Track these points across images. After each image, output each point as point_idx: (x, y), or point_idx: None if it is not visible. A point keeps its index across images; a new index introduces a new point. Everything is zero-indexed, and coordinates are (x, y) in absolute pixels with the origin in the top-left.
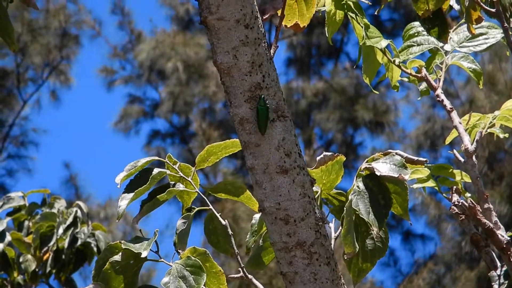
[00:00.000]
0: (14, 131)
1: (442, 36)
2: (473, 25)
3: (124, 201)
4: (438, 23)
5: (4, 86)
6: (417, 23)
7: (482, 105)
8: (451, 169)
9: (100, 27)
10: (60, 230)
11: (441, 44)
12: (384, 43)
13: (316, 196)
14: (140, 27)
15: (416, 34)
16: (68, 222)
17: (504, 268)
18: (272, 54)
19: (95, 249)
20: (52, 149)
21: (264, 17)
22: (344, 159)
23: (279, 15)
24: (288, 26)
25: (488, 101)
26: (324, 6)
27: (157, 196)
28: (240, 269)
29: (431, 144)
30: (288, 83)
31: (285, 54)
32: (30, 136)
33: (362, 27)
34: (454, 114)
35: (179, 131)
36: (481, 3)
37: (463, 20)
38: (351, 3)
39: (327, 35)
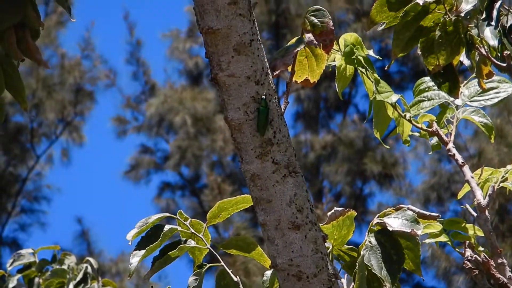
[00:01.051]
0: (28, 186)
1: (453, 91)
2: (484, 80)
3: (135, 258)
4: (449, 78)
5: (18, 141)
6: (427, 78)
7: (491, 158)
8: (464, 223)
9: (115, 77)
10: (71, 287)
11: (451, 99)
12: (394, 97)
13: (328, 252)
14: (155, 78)
15: (426, 89)
16: (78, 279)
17: None
18: (283, 110)
19: None
20: (64, 204)
21: (274, 73)
22: (355, 214)
23: (289, 71)
24: (299, 82)
25: (497, 153)
26: (334, 61)
27: (169, 253)
28: None
29: (438, 198)
30: (297, 136)
31: (293, 108)
32: (43, 191)
33: (372, 81)
34: (466, 169)
35: (189, 183)
36: (492, 58)
37: (473, 75)
38: (361, 58)
39: (337, 90)
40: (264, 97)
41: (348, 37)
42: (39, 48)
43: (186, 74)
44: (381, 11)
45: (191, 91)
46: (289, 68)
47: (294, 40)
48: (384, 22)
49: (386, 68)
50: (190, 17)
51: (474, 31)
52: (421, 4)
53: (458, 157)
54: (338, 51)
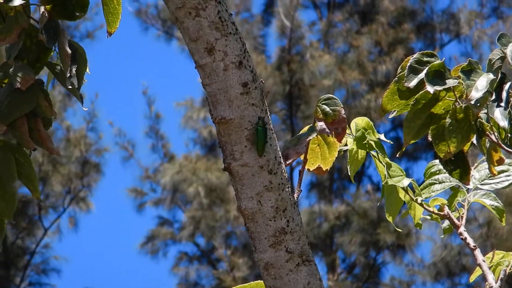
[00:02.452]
0: (36, 259)
1: (464, 177)
2: (495, 167)
3: None
4: (460, 165)
5: (26, 214)
6: (438, 161)
7: (499, 227)
8: None
9: (133, 149)
10: None
11: None
12: (406, 181)
13: None
14: (173, 150)
15: (437, 171)
16: None
17: None
18: (296, 199)
19: None
20: (74, 275)
21: (287, 162)
22: None
23: (302, 159)
24: (311, 169)
25: (507, 223)
26: (345, 144)
27: None
28: None
29: (449, 273)
30: (311, 206)
31: (307, 178)
32: (51, 263)
33: (384, 165)
34: (477, 252)
35: (205, 254)
36: (502, 144)
37: (484, 158)
38: (372, 143)
39: (349, 174)
40: (261, 116)
41: (359, 121)
42: (51, 137)
43: (200, 143)
44: (392, 99)
45: (205, 161)
46: (302, 157)
47: (306, 128)
48: (395, 110)
49: (397, 155)
50: None
51: (483, 116)
52: (431, 92)
53: (470, 240)
54: (349, 134)
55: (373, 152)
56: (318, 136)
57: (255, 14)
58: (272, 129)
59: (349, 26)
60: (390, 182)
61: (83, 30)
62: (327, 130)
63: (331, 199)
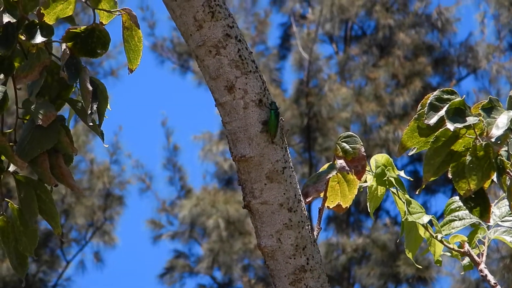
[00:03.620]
0: None
1: (484, 215)
2: None
3: None
4: (480, 203)
5: (47, 246)
6: (458, 198)
7: None
8: None
9: (150, 181)
10: None
11: None
12: (426, 218)
13: None
14: (190, 183)
15: (457, 208)
16: None
17: None
18: (315, 236)
19: None
20: None
21: (307, 200)
22: None
23: (321, 197)
24: (331, 207)
25: None
26: (365, 182)
27: None
28: None
29: None
30: (328, 239)
31: (325, 212)
32: None
33: (404, 202)
34: None
35: (223, 287)
36: None
37: (504, 194)
38: (392, 179)
39: (369, 210)
40: (273, 101)
41: (379, 158)
42: (71, 173)
43: (218, 176)
44: (412, 137)
45: (224, 194)
46: (321, 194)
47: (326, 166)
48: (415, 147)
49: (417, 193)
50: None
51: (504, 154)
52: (451, 129)
53: (490, 277)
54: (369, 171)
55: (392, 189)
56: (338, 173)
57: (271, 47)
58: (292, 167)
59: (366, 59)
60: (410, 218)
61: (106, 67)
62: (347, 168)
63: (348, 232)
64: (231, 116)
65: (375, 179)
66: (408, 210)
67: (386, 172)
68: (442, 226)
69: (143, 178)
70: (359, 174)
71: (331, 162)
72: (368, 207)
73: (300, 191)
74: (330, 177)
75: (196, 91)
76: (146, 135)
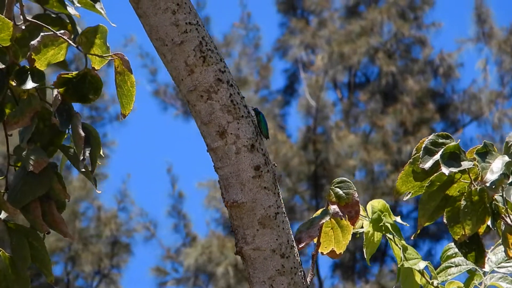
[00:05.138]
0: None
1: (479, 261)
2: (511, 249)
3: None
4: (475, 248)
5: None
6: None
7: None
8: None
9: (155, 228)
10: None
11: None
12: (422, 264)
13: None
14: (195, 230)
15: (454, 255)
16: None
17: None
18: (308, 282)
19: None
20: None
21: (300, 246)
22: None
23: (315, 242)
24: (325, 253)
25: None
26: (361, 227)
27: None
28: None
29: None
30: (334, 286)
31: (331, 260)
32: None
33: (400, 248)
34: None
35: None
36: None
37: (499, 241)
38: (388, 225)
39: (365, 257)
40: (255, 107)
41: (375, 204)
42: (64, 220)
43: (223, 223)
44: (407, 181)
45: (230, 241)
46: (315, 240)
47: (319, 211)
48: (410, 192)
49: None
50: None
51: (499, 199)
52: (446, 174)
53: None
54: (365, 217)
55: (389, 235)
56: (332, 219)
57: (274, 91)
58: (284, 212)
59: (372, 106)
60: (406, 265)
61: (112, 113)
62: (340, 213)
63: (354, 279)
64: (223, 161)
65: (371, 224)
66: (404, 256)
67: (382, 217)
68: (438, 273)
69: (148, 225)
70: (353, 219)
71: (324, 208)
72: (365, 253)
73: (293, 237)
74: (323, 223)
75: (200, 137)
76: (151, 181)
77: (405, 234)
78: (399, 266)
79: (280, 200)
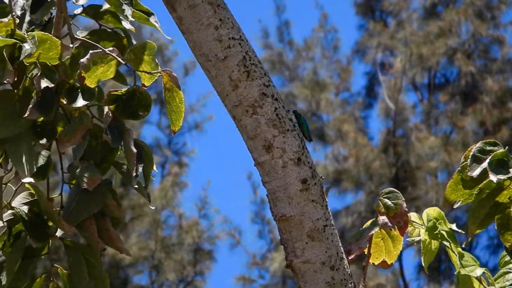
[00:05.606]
0: None
1: None
2: None
3: None
4: None
5: None
6: None
7: None
8: None
9: (239, 235)
10: None
11: None
12: (479, 271)
13: None
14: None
15: (511, 261)
16: None
17: None
18: None
19: None
20: None
21: (349, 258)
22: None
23: (365, 253)
24: (376, 263)
25: None
26: (418, 235)
27: None
28: None
29: None
30: None
31: (415, 260)
32: None
33: (456, 255)
34: None
35: None
36: None
37: None
38: (444, 233)
39: (423, 265)
40: (295, 110)
41: (431, 212)
42: (120, 236)
43: None
44: (456, 189)
45: None
46: (365, 251)
47: (369, 222)
48: (460, 200)
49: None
50: None
51: None
52: (494, 181)
53: None
54: (422, 225)
55: (445, 242)
56: (382, 230)
57: (355, 93)
58: (333, 225)
59: (452, 107)
60: (463, 272)
61: (191, 121)
62: (389, 224)
63: (439, 280)
64: (270, 175)
65: (427, 233)
66: (461, 263)
67: (438, 225)
68: (496, 279)
69: (232, 233)
70: (402, 230)
71: (374, 219)
72: (422, 261)
73: (342, 248)
74: (372, 234)
75: None
76: (232, 189)
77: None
78: (455, 273)
79: (329, 212)
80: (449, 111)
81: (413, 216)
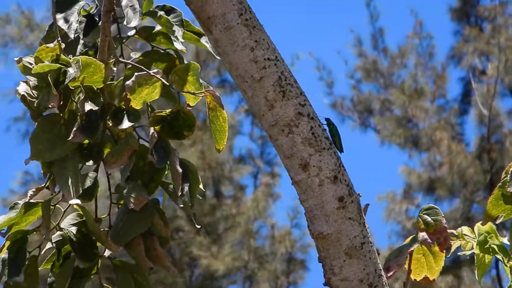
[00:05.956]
0: None
1: None
2: None
3: None
4: None
5: None
6: None
7: None
8: None
9: None
10: None
11: None
12: None
13: None
14: (377, 243)
15: None
16: None
17: None
18: None
19: None
20: None
21: (388, 275)
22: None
23: (406, 269)
24: (418, 279)
25: None
26: (472, 248)
27: None
28: None
29: None
30: None
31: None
32: None
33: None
34: None
35: None
36: None
37: None
38: (495, 246)
39: (477, 278)
40: (327, 117)
41: (481, 226)
42: (167, 255)
43: (404, 235)
44: (497, 205)
45: None
46: (406, 267)
47: (409, 239)
48: (502, 215)
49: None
50: (405, 179)
51: None
52: None
53: None
54: (474, 239)
55: (498, 256)
56: (423, 246)
57: (450, 100)
58: (371, 242)
59: None
60: None
61: None
62: (429, 240)
63: None
64: (307, 194)
65: (478, 247)
66: None
67: (489, 239)
68: None
69: None
70: (442, 246)
71: (413, 235)
72: (476, 275)
73: (380, 266)
74: (412, 251)
75: (380, 150)
76: None
77: None
78: (506, 286)
79: (366, 229)
80: None
81: (465, 229)
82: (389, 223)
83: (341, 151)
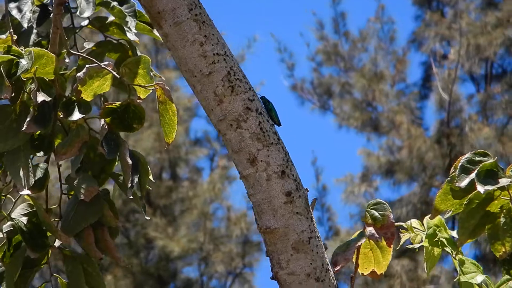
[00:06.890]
0: None
1: None
2: None
3: None
4: None
5: None
6: None
7: None
8: None
9: None
10: None
11: None
12: (479, 278)
13: None
14: (339, 223)
15: None
16: None
17: None
18: None
19: None
20: None
21: (335, 269)
22: None
23: (353, 263)
24: (365, 274)
25: None
26: (421, 241)
27: None
28: None
29: None
30: None
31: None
32: None
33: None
34: None
35: None
36: None
37: None
38: (444, 240)
39: (425, 270)
40: (262, 95)
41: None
42: (116, 246)
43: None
44: (446, 199)
45: None
46: (353, 261)
47: (356, 234)
48: (451, 210)
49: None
50: (364, 162)
51: None
52: (482, 192)
53: None
54: (423, 232)
55: (447, 249)
56: (370, 240)
57: (411, 84)
58: (318, 236)
59: (508, 98)
60: (463, 279)
61: None
62: (376, 235)
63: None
64: (255, 188)
65: (426, 240)
66: (461, 270)
67: (438, 232)
68: (499, 286)
69: None
70: (389, 241)
71: (361, 230)
72: (425, 268)
73: (328, 260)
74: (359, 245)
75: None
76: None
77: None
78: (455, 280)
79: (314, 224)
80: (503, 102)
81: (414, 222)
82: (348, 205)
83: (279, 124)
